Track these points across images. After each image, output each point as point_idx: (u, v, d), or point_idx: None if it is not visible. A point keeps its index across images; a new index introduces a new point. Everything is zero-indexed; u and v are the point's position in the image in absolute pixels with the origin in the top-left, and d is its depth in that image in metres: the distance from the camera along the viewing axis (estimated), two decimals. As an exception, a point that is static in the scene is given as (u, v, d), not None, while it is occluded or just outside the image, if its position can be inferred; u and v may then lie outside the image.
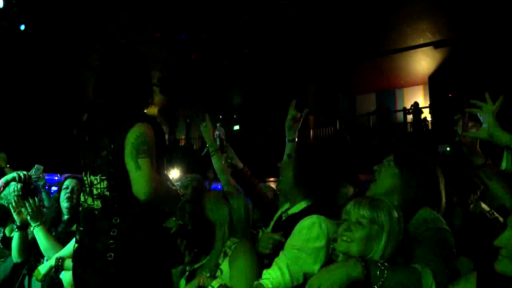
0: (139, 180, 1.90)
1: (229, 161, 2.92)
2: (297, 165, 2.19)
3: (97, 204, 2.02)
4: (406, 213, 1.81)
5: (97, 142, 2.06)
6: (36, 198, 3.04)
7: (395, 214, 1.62)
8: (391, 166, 2.01)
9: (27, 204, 2.95)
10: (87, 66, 13.35)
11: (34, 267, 3.09)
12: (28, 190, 3.38)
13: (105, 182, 1.99)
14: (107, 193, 1.99)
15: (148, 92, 2.17)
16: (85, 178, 2.10)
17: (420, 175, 1.96)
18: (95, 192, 2.02)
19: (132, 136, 1.95)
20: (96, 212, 2.02)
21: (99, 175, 2.01)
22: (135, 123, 1.97)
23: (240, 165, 2.88)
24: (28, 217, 2.94)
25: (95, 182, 2.02)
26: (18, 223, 3.00)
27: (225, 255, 2.12)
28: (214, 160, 2.98)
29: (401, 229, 1.62)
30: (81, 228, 2.08)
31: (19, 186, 3.37)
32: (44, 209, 3.40)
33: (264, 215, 2.77)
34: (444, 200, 1.99)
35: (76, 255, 2.07)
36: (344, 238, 1.66)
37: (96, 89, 2.11)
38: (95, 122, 2.12)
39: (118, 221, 1.97)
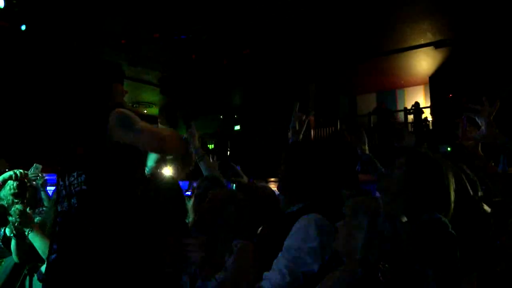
0: (150, 142, 1.91)
1: (233, 179, 2.89)
2: (290, 165, 2.18)
3: (73, 203, 1.96)
4: (412, 215, 1.81)
5: (70, 142, 2.05)
6: (21, 205, 3.04)
7: (379, 216, 1.61)
8: (403, 168, 2.01)
9: (13, 212, 2.94)
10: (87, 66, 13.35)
11: (35, 267, 3.10)
12: (24, 188, 3.39)
13: (83, 176, 1.95)
14: (85, 186, 1.94)
15: (107, 88, 2.15)
16: (61, 183, 2.04)
17: (431, 180, 1.96)
18: (73, 191, 1.97)
19: (115, 118, 1.93)
20: (73, 210, 1.96)
21: (76, 171, 1.97)
22: (109, 112, 1.96)
23: (245, 180, 2.86)
24: (17, 224, 2.93)
25: (72, 179, 1.98)
26: (14, 231, 2.99)
27: (230, 254, 2.12)
28: (201, 166, 2.98)
29: (388, 231, 1.59)
30: (59, 237, 2.00)
31: (15, 184, 3.37)
32: (44, 208, 3.40)
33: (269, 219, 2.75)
34: (453, 205, 1.99)
35: (58, 264, 1.95)
36: (336, 235, 1.71)
37: (61, 94, 2.15)
38: (64, 125, 2.12)
39: (97, 216, 1.92)
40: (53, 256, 1.96)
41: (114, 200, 1.94)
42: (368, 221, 1.60)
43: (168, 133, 2.02)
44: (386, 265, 1.50)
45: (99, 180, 1.94)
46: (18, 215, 2.92)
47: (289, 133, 2.80)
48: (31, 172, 3.62)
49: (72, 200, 1.96)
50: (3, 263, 3.29)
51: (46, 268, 2.05)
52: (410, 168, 1.99)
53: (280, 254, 1.91)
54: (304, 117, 2.78)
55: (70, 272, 1.88)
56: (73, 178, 1.97)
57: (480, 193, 2.66)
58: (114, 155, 1.94)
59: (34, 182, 3.66)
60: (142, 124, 1.93)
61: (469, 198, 2.50)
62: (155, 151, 1.94)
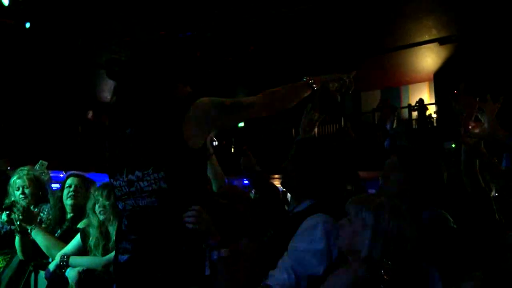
0: (266, 109, 1.90)
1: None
2: (298, 162, 2.15)
3: (150, 201, 1.77)
4: (414, 212, 1.81)
5: (138, 136, 1.82)
6: (25, 201, 3.05)
7: (385, 213, 1.59)
8: (397, 170, 2.01)
9: (15, 210, 2.94)
10: (92, 64, 13.40)
11: (41, 264, 3.11)
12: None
13: (162, 173, 1.74)
14: (165, 185, 1.75)
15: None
16: (120, 178, 1.84)
17: (426, 176, 1.96)
18: (146, 188, 1.77)
19: (211, 107, 1.81)
20: (151, 210, 1.78)
21: (151, 168, 1.75)
22: (190, 103, 1.80)
23: (257, 168, 2.78)
24: (19, 223, 2.94)
25: (146, 177, 1.76)
26: (17, 228, 3.00)
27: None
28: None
29: (393, 228, 1.58)
30: (133, 237, 1.81)
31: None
32: (47, 205, 3.41)
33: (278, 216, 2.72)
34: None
35: (131, 266, 1.80)
36: (340, 234, 1.70)
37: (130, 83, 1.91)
38: (130, 117, 1.87)
39: (182, 213, 1.76)
40: (125, 256, 1.80)
41: (197, 201, 1.80)
42: (373, 219, 1.59)
43: (273, 92, 1.97)
44: (389, 263, 1.50)
45: (181, 178, 1.78)
46: (20, 212, 2.92)
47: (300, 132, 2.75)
48: (36, 169, 3.63)
49: (149, 199, 1.77)
50: (9, 259, 3.31)
51: (115, 268, 1.89)
52: (406, 170, 1.99)
53: (285, 254, 1.89)
54: (316, 116, 2.71)
55: (149, 273, 1.75)
56: (146, 176, 1.76)
57: (493, 192, 2.65)
58: (192, 151, 1.79)
59: (42, 176, 3.66)
60: (245, 98, 1.88)
61: (482, 194, 2.50)
62: (274, 113, 1.91)
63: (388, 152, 2.94)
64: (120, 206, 1.88)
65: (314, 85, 2.10)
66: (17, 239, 3.04)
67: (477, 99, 2.08)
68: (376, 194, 1.91)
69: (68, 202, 3.25)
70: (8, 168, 3.77)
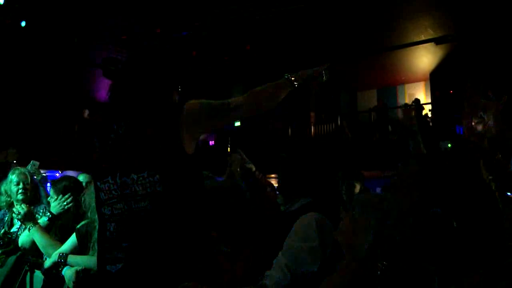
0: (252, 109, 1.90)
1: (245, 165, 2.73)
2: (294, 161, 2.17)
3: (144, 204, 1.72)
4: (419, 212, 1.82)
5: (132, 137, 1.79)
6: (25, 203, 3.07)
7: (390, 219, 1.59)
8: (415, 166, 2.02)
9: (15, 209, 2.97)
10: (88, 62, 13.35)
11: (36, 263, 3.11)
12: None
13: (157, 176, 1.70)
14: (160, 188, 1.71)
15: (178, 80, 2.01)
16: (111, 181, 1.78)
17: (451, 181, 1.96)
18: (140, 192, 1.73)
19: (199, 110, 1.80)
20: (144, 214, 1.72)
21: (146, 171, 1.72)
22: (181, 107, 1.79)
23: (253, 168, 2.75)
24: (22, 220, 2.96)
25: (140, 180, 1.73)
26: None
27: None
28: None
29: (394, 226, 1.58)
30: (125, 244, 1.73)
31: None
32: (41, 206, 3.40)
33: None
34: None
35: (126, 275, 1.72)
36: (341, 227, 1.67)
37: (126, 85, 1.89)
38: (123, 118, 1.84)
39: (177, 217, 1.73)
40: (117, 266, 1.72)
41: (193, 205, 1.78)
42: (377, 224, 1.58)
43: (258, 93, 1.95)
44: (384, 263, 1.50)
45: (176, 182, 1.74)
46: (23, 210, 2.95)
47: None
48: (28, 169, 3.62)
49: (142, 202, 1.72)
50: (3, 259, 3.30)
51: (104, 280, 1.78)
52: (432, 168, 1.99)
53: (280, 253, 1.90)
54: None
55: (147, 281, 1.69)
56: (141, 180, 1.72)
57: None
58: (186, 155, 1.77)
59: (34, 177, 3.65)
60: (231, 100, 1.85)
61: (488, 194, 2.49)
62: (260, 113, 1.92)
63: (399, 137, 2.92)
64: (106, 211, 1.80)
65: (295, 82, 2.10)
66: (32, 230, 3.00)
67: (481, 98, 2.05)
68: (384, 196, 1.89)
69: (63, 201, 3.25)
70: (14, 161, 3.76)
